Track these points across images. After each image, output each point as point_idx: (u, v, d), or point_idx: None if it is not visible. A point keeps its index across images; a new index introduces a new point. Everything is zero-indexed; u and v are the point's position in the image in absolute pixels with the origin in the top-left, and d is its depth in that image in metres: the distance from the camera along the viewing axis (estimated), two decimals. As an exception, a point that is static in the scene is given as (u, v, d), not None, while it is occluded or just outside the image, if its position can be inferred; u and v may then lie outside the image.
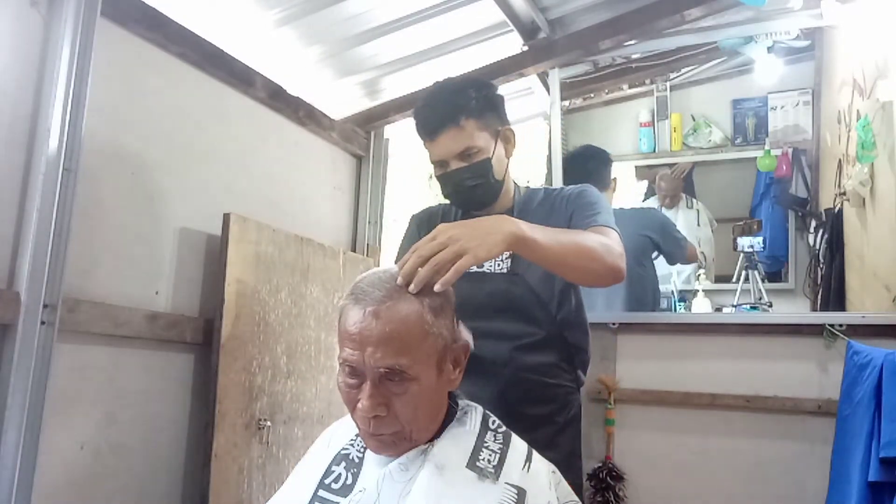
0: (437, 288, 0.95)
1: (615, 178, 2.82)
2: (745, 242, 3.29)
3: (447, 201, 1.58)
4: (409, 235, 1.63)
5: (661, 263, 3.05)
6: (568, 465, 1.37)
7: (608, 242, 1.32)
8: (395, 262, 1.59)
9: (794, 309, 3.44)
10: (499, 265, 1.46)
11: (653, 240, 2.86)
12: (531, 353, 1.44)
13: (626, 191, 3.72)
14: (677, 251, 2.98)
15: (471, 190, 1.45)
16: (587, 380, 2.40)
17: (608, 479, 2.30)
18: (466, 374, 1.34)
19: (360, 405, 0.90)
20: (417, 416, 0.92)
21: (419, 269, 0.96)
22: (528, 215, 1.45)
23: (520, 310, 1.44)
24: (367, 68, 2.57)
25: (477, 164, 1.43)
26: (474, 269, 1.44)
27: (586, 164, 2.72)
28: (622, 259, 1.32)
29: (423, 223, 1.61)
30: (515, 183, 1.59)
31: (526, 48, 2.52)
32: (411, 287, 0.93)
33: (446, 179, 1.46)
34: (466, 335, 1.14)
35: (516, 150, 1.56)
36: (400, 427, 0.92)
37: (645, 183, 3.87)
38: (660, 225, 3.00)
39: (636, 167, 3.91)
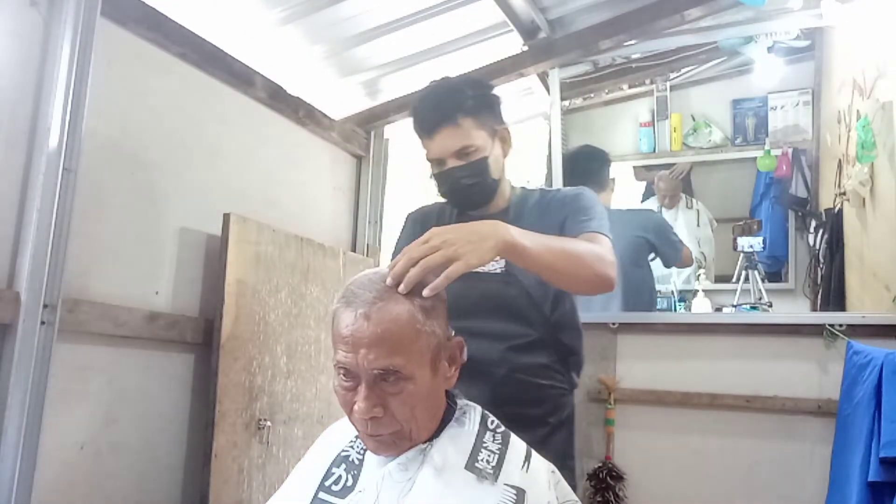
0: (425, 293, 0.94)
1: (614, 179, 2.81)
2: (745, 242, 3.29)
3: (444, 200, 1.57)
4: (404, 234, 1.63)
5: (659, 264, 3.04)
6: (560, 467, 1.36)
7: (598, 251, 1.30)
8: (391, 262, 1.58)
9: (794, 309, 3.43)
10: (493, 266, 1.45)
11: (649, 241, 2.86)
12: (524, 353, 1.43)
13: (625, 191, 3.72)
14: (672, 253, 2.97)
15: (467, 189, 1.44)
16: (587, 380, 2.41)
17: (608, 479, 2.30)
18: (460, 375, 1.32)
19: (356, 407, 0.90)
20: (415, 415, 0.92)
21: (409, 270, 0.95)
22: (522, 216, 1.44)
23: (513, 311, 1.44)
24: (367, 68, 2.57)
25: (474, 163, 1.42)
26: None
27: (586, 165, 2.69)
28: (612, 267, 1.31)
29: (418, 222, 1.61)
30: (511, 183, 1.58)
31: (526, 48, 2.52)
32: (401, 288, 0.93)
33: (443, 178, 1.45)
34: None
35: (515, 150, 1.56)
36: (399, 427, 0.92)
37: (643, 183, 3.86)
38: (656, 227, 2.99)
39: (634, 168, 3.90)
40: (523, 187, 1.62)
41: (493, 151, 1.46)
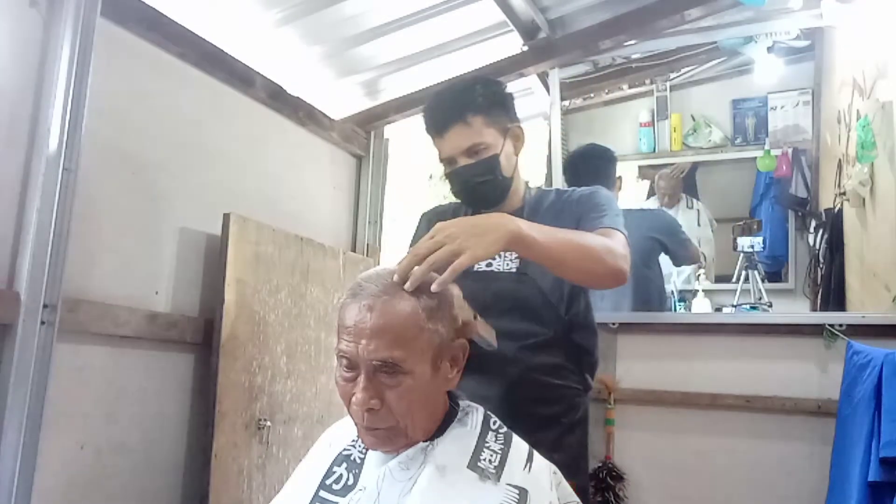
0: (433, 288, 0.95)
1: (620, 178, 2.80)
2: (745, 242, 3.29)
3: (457, 201, 1.57)
4: (418, 233, 1.61)
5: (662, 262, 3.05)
6: (575, 468, 1.36)
7: (610, 244, 1.30)
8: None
9: (794, 309, 3.43)
10: (507, 264, 1.45)
11: (661, 241, 2.86)
12: (537, 353, 1.43)
13: (628, 191, 3.72)
14: (683, 252, 2.98)
15: (478, 187, 1.44)
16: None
17: (608, 479, 2.30)
18: (473, 373, 1.31)
19: (354, 398, 0.91)
20: (412, 411, 0.93)
21: (416, 267, 0.95)
22: (537, 216, 1.43)
23: (527, 309, 1.43)
24: (367, 68, 2.57)
25: (484, 161, 1.42)
26: (482, 267, 1.42)
27: (593, 163, 2.66)
28: (625, 261, 1.31)
29: (433, 221, 1.57)
30: (526, 183, 1.57)
31: (526, 48, 2.52)
32: (407, 285, 0.93)
33: (454, 177, 1.46)
34: (488, 333, 1.14)
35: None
36: (395, 422, 0.93)
37: (647, 183, 3.87)
38: (667, 227, 2.99)
39: (639, 167, 3.91)
40: (539, 187, 1.62)
41: (505, 149, 1.45)
